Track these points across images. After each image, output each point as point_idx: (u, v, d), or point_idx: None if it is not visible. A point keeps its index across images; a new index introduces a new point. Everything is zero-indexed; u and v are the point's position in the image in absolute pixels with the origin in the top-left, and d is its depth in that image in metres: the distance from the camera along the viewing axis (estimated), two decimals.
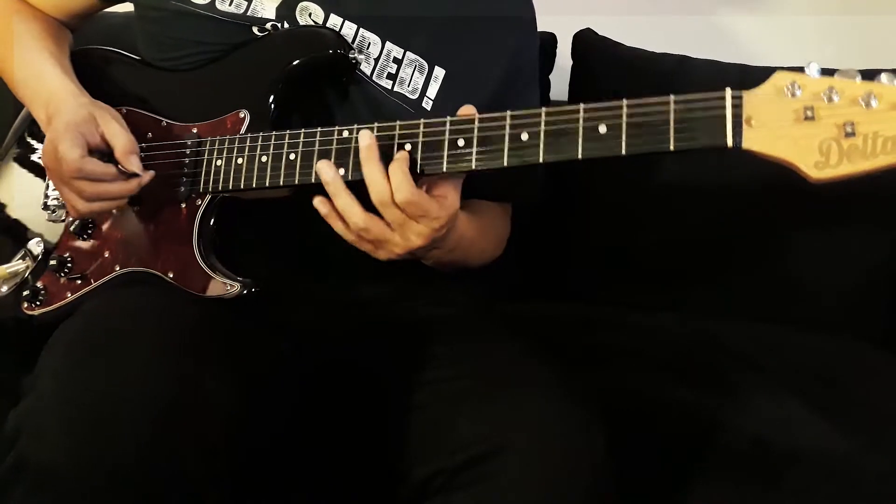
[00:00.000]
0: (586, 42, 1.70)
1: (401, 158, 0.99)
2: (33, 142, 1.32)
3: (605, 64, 1.67)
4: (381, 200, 0.99)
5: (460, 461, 0.96)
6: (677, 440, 1.19)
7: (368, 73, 1.17)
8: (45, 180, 1.27)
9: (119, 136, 1.13)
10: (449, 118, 1.01)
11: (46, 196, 1.26)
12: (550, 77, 1.63)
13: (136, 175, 1.12)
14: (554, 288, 1.64)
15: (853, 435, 1.18)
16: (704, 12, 1.82)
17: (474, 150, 0.99)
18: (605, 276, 1.63)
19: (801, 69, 1.56)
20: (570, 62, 1.70)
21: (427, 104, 1.18)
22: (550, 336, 1.29)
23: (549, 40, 1.66)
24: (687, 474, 1.13)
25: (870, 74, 1.50)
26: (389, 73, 1.18)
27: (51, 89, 1.19)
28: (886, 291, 1.54)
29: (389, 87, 1.18)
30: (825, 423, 1.21)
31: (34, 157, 1.30)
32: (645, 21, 1.81)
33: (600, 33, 1.70)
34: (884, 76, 0.87)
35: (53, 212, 1.25)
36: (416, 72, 1.18)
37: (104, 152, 1.14)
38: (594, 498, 0.95)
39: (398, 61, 1.18)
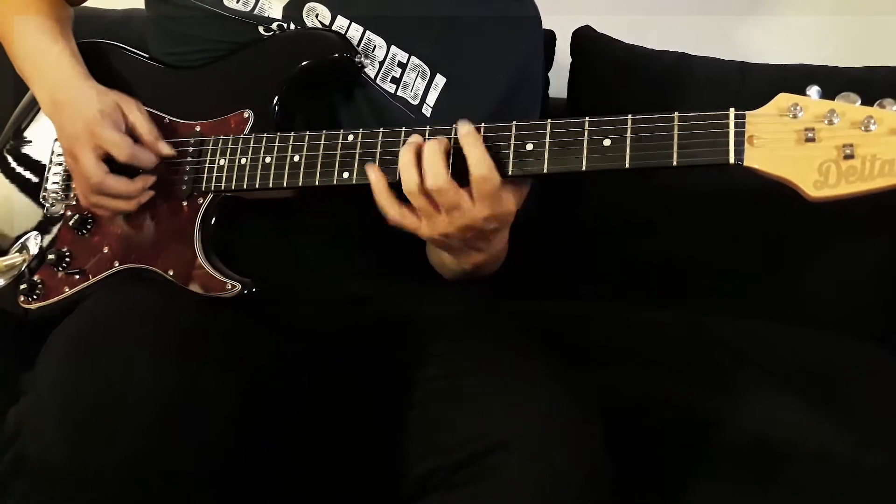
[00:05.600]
0: (585, 39, 1.69)
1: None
2: (31, 135, 1.30)
3: (604, 61, 1.67)
4: (410, 190, 0.99)
5: (459, 458, 0.97)
6: (676, 437, 1.20)
7: (373, 76, 1.17)
8: (42, 174, 1.27)
9: (145, 124, 1.15)
10: (455, 126, 1.01)
11: (45, 189, 1.26)
12: (549, 74, 1.62)
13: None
14: (553, 287, 1.64)
15: (852, 433, 1.19)
16: (703, 10, 1.82)
17: None
18: (605, 275, 1.63)
19: (799, 67, 1.59)
20: (569, 59, 1.70)
21: (426, 111, 1.18)
22: (549, 334, 1.29)
23: (548, 38, 1.66)
24: (685, 471, 1.15)
25: (868, 74, 1.53)
26: (393, 77, 1.17)
27: (59, 74, 1.18)
28: (886, 290, 1.54)
29: (392, 92, 1.17)
30: (824, 420, 1.21)
31: (32, 151, 1.29)
32: (644, 19, 1.81)
33: (599, 31, 1.70)
34: (885, 101, 0.88)
35: (52, 205, 1.24)
36: (418, 77, 1.18)
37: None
38: (592, 494, 0.96)
39: (403, 66, 1.17)
